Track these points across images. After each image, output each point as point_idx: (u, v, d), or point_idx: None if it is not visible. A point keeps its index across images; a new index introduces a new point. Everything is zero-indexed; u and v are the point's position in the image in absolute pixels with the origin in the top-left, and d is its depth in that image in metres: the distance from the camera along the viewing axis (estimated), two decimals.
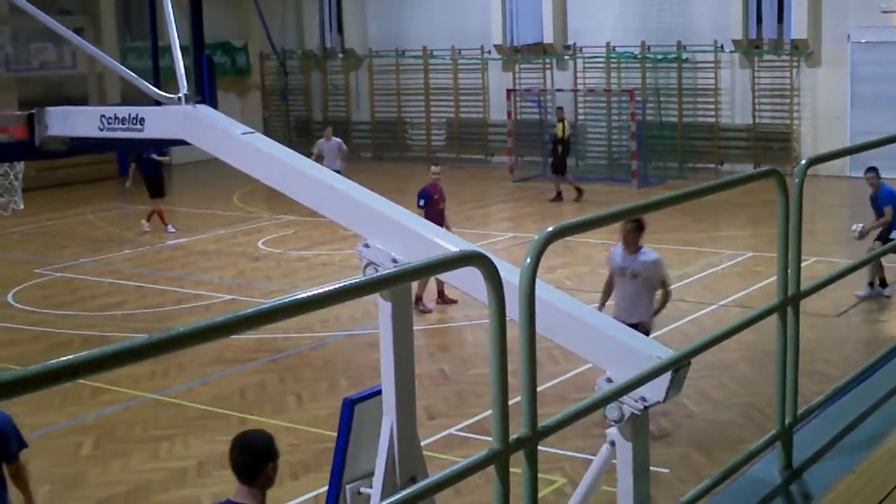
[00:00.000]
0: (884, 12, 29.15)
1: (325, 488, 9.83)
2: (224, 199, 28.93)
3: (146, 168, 25.00)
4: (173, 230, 24.58)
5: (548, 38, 33.56)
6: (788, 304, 5.13)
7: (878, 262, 16.51)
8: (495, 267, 3.45)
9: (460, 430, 12.01)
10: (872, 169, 17.43)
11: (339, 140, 26.41)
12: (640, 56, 32.22)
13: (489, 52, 34.81)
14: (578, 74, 33.29)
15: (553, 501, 10.13)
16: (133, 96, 8.99)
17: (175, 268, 21.12)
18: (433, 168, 18.44)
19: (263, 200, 28.13)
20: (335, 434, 11.18)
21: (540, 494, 10.26)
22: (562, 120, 28.72)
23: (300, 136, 37.04)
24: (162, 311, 17.39)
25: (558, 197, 27.45)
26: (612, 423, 5.29)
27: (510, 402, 3.47)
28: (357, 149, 37.35)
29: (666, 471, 10.55)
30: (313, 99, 38.97)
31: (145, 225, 24.88)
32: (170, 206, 26.84)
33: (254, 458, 5.57)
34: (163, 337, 2.64)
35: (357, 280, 3.21)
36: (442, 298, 16.93)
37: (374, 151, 37.26)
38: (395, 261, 6.08)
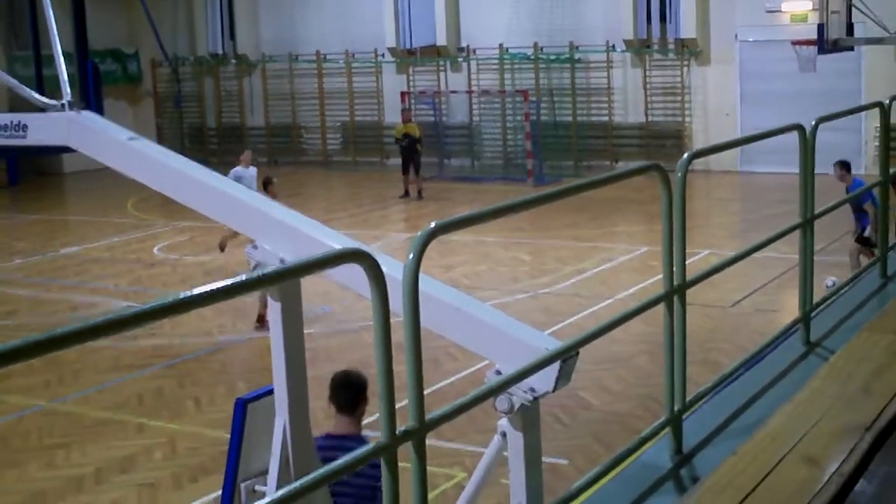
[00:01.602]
0: (769, 12, 29.70)
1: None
2: (118, 206, 28.62)
3: None
4: None
5: (441, 40, 33.71)
6: (675, 293, 5.24)
7: (858, 260, 15.93)
8: (376, 262, 3.50)
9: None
10: (842, 164, 16.28)
11: (256, 168, 21.60)
12: (533, 57, 32.48)
13: (383, 55, 34.84)
14: (473, 76, 33.47)
15: (454, 496, 10.17)
16: (21, 105, 8.89)
17: (69, 276, 20.86)
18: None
19: (158, 207, 27.85)
20: (228, 436, 11.22)
21: (441, 489, 10.42)
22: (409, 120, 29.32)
23: (193, 144, 36.81)
24: (55, 318, 17.17)
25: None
26: (503, 415, 5.35)
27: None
28: (252, 154, 37.15)
29: (565, 462, 10.67)
30: (207, 105, 38.71)
31: None
32: (63, 216, 26.47)
33: (356, 393, 6.72)
34: (46, 337, 2.62)
35: (241, 279, 3.23)
36: (261, 323, 15.69)
37: (270, 156, 37.08)
38: (282, 261, 6.09)
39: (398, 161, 33.15)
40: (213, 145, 37.57)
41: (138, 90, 39.00)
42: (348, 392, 6.73)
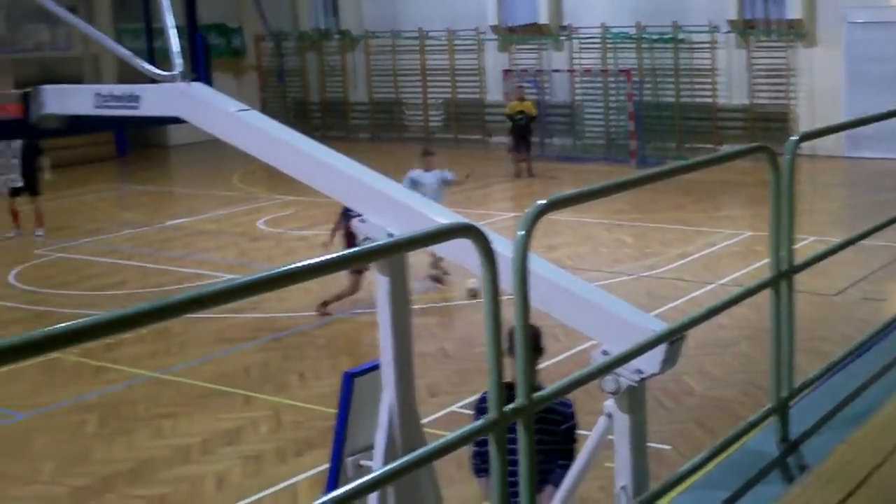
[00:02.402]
0: None
1: (326, 466, 9.95)
2: (224, 179, 28.96)
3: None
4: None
5: (543, 18, 33.53)
6: (782, 278, 5.18)
7: None
8: (487, 238, 3.49)
9: (462, 407, 12.06)
10: None
11: (442, 173, 17.62)
12: (635, 36, 32.19)
13: (485, 32, 34.77)
14: (574, 55, 33.25)
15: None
16: (129, 78, 9.01)
17: (175, 247, 21.18)
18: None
19: (263, 180, 28.15)
20: (332, 411, 11.30)
21: None
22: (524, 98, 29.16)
23: (296, 118, 37.02)
24: (163, 290, 17.41)
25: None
26: (609, 396, 5.35)
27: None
28: (355, 129, 37.38)
29: (667, 447, 10.60)
30: (310, 80, 38.95)
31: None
32: (170, 187, 26.79)
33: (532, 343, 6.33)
34: (158, 305, 2.65)
35: (351, 251, 3.24)
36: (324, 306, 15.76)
37: (372, 132, 37.25)
38: (390, 235, 6.12)
39: (500, 139, 33.13)
40: (315, 119, 37.79)
41: (242, 64, 39.34)
42: None
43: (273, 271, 2.84)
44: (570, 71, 32.90)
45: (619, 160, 30.01)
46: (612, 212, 21.60)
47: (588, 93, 33.28)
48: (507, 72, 32.54)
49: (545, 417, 6.56)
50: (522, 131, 28.51)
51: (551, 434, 6.53)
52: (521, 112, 28.52)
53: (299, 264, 2.96)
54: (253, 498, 9.93)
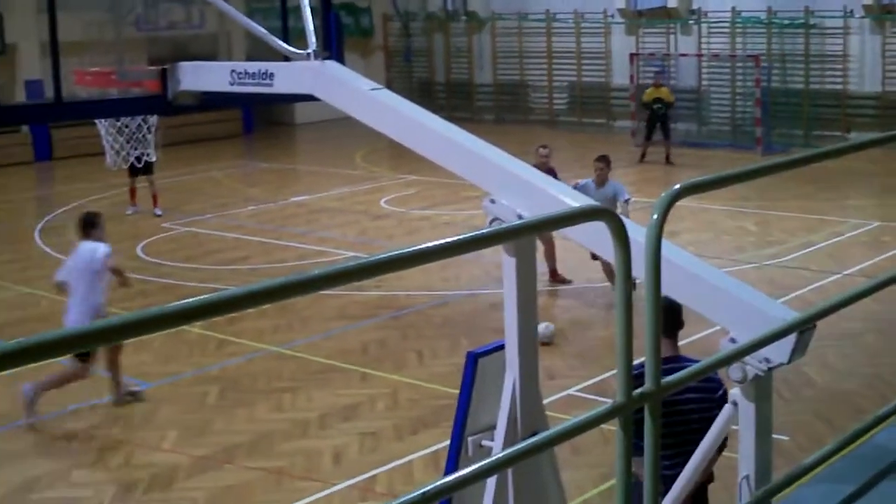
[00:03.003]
0: None
1: (444, 444, 9.99)
2: (347, 158, 29.19)
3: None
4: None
5: (672, 2, 33.19)
6: None
7: None
8: (621, 221, 3.47)
9: (580, 390, 12.04)
10: None
11: (617, 187, 16.08)
12: (766, 21, 31.72)
13: (612, 15, 34.55)
14: (703, 39, 32.88)
15: None
16: (257, 56, 9.12)
17: (299, 224, 21.42)
18: (541, 150, 16.64)
19: (386, 160, 28.33)
20: (455, 391, 11.34)
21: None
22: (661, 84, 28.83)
23: (422, 98, 37.11)
24: (285, 266, 17.62)
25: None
26: (735, 384, 5.29)
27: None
28: (479, 111, 37.41)
29: (785, 438, 10.47)
30: (436, 61, 39.07)
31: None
32: (294, 165, 27.00)
33: (676, 317, 6.71)
34: (292, 280, 2.68)
35: (483, 231, 3.24)
36: (554, 277, 16.32)
37: (496, 114, 37.26)
38: (520, 217, 6.11)
39: (625, 123, 32.92)
40: (440, 100, 37.88)
41: (370, 44, 39.57)
42: (668, 316, 6.56)
43: (406, 250, 2.86)
44: (698, 56, 32.52)
45: (745, 147, 29.60)
46: (735, 198, 21.33)
47: (715, 78, 32.87)
48: (633, 55, 32.28)
49: (705, 387, 6.67)
50: (660, 118, 28.20)
51: (710, 402, 6.55)
52: (659, 99, 28.21)
53: (432, 244, 2.97)
54: (369, 474, 10.02)
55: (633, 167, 27.94)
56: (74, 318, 11.46)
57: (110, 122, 12.08)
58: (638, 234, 3.79)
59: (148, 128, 13.18)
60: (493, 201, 6.29)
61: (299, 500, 9.75)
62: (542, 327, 11.88)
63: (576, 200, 6.09)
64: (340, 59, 8.69)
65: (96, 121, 12.22)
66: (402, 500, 2.80)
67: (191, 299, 2.42)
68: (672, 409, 6.32)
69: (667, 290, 5.08)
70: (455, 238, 3.04)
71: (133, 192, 22.57)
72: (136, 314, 2.36)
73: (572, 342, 13.87)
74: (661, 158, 28.03)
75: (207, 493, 9.91)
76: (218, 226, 21.41)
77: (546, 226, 3.78)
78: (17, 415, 11.83)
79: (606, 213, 3.52)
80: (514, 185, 6.31)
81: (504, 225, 5.19)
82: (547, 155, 16.44)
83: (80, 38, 13.71)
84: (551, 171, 17.15)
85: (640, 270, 3.65)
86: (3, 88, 26.10)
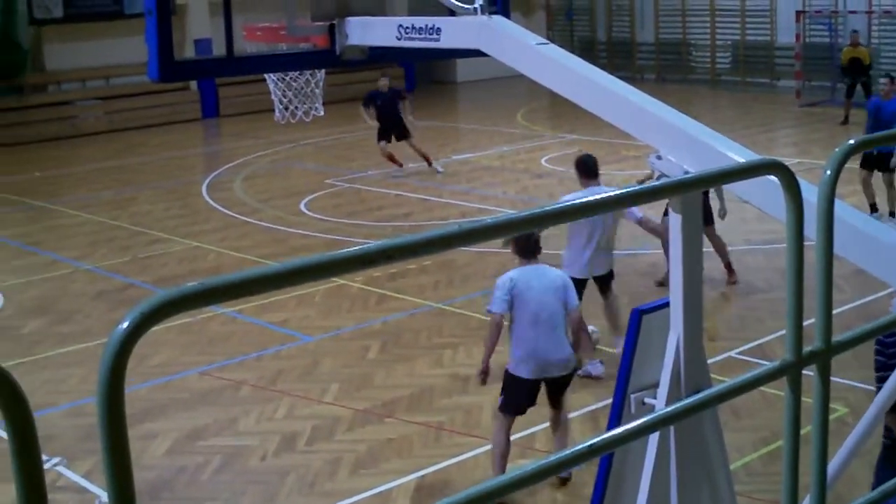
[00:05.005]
0: None
1: (603, 403, 9.99)
2: (508, 116, 29.17)
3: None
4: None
5: None
6: None
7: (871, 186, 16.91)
8: (794, 175, 3.41)
9: (740, 353, 11.89)
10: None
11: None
12: None
13: None
14: None
15: (835, 430, 9.92)
16: (420, 13, 9.13)
17: (460, 182, 21.51)
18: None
19: (547, 119, 28.25)
20: (613, 351, 11.30)
21: None
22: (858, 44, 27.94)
23: (584, 56, 36.60)
24: (447, 223, 17.66)
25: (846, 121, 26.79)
26: None
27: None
28: (640, 70, 37.07)
29: None
30: (597, 18, 38.77)
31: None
32: (455, 123, 27.07)
33: None
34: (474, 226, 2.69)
35: (650, 186, 3.21)
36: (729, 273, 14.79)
37: (658, 73, 36.87)
38: (686, 173, 6.03)
39: (789, 83, 32.26)
40: (602, 59, 37.60)
41: (532, 2, 39.43)
42: None
43: (568, 204, 2.83)
44: (868, 13, 31.66)
45: None
46: None
47: (886, 35, 31.99)
48: (799, 13, 31.58)
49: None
50: (858, 80, 27.39)
51: None
52: (855, 58, 27.46)
53: (595, 198, 2.95)
54: (528, 431, 10.03)
55: (795, 127, 27.40)
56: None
57: (279, 77, 12.19)
58: (809, 193, 3.71)
59: (315, 83, 13.27)
60: (659, 157, 6.24)
61: (459, 455, 9.83)
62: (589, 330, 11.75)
63: (741, 156, 5.99)
64: (506, 15, 8.67)
65: (266, 76, 12.36)
66: (570, 451, 2.79)
67: (365, 245, 2.44)
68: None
69: (838, 249, 4.99)
70: (617, 192, 3.01)
71: (390, 157, 22.16)
72: (315, 258, 2.39)
73: (733, 304, 13.71)
74: (826, 118, 27.41)
75: (368, 446, 10.05)
76: (379, 183, 21.62)
77: (716, 180, 3.73)
78: (185, 364, 12.16)
79: (778, 167, 3.45)
80: (680, 140, 6.25)
81: (670, 179, 5.14)
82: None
83: None
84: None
85: (811, 229, 3.58)
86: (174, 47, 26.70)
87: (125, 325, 2.11)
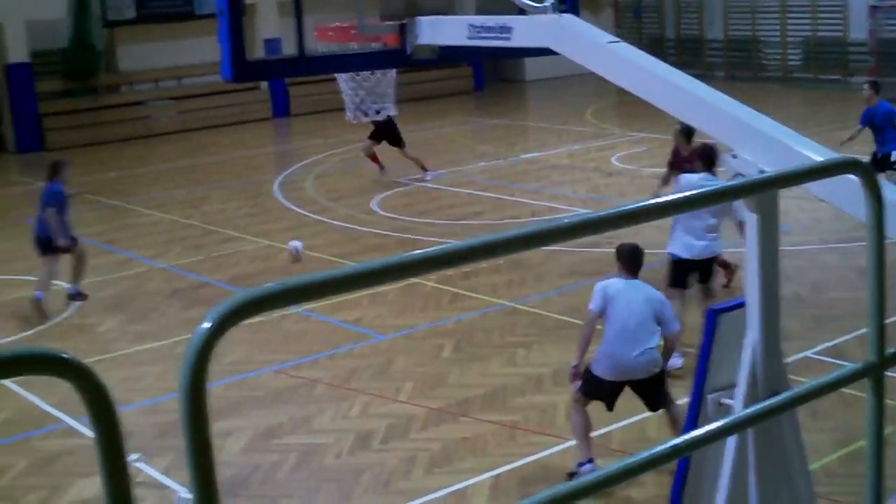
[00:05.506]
0: None
1: (677, 403, 9.91)
2: (577, 114, 29.08)
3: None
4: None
5: None
6: None
7: None
8: (873, 173, 3.36)
9: (816, 353, 11.76)
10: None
11: None
12: None
13: None
14: None
15: None
16: (488, 11, 9.13)
17: (529, 181, 21.47)
18: None
19: (616, 117, 28.13)
20: (692, 351, 11.20)
21: None
22: None
23: (652, 54, 36.59)
24: (517, 222, 17.69)
25: None
26: None
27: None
28: (709, 67, 36.78)
29: None
30: (666, 16, 38.55)
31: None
32: (524, 122, 27.00)
33: None
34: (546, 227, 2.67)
35: (727, 185, 3.18)
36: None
37: (727, 70, 36.56)
38: (762, 172, 5.98)
39: (863, 79, 31.84)
40: (670, 56, 37.33)
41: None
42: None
43: (642, 204, 2.81)
44: None
45: None
46: None
47: None
48: (873, 8, 31.20)
49: None
50: None
51: None
52: None
53: (668, 198, 2.93)
54: (603, 431, 9.98)
55: None
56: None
57: (350, 76, 12.27)
58: (891, 192, 3.66)
59: (387, 82, 13.34)
60: (734, 156, 6.19)
61: (533, 454, 9.80)
62: None
63: (818, 154, 5.93)
64: (576, 13, 8.66)
65: (336, 75, 12.44)
66: (651, 452, 2.78)
67: (440, 246, 2.43)
68: None
69: None
70: (691, 193, 2.99)
71: (373, 157, 21.96)
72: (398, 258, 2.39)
73: (808, 303, 13.56)
74: None
75: (443, 445, 10.05)
76: (450, 181, 21.63)
77: (793, 179, 3.68)
78: (260, 362, 12.24)
79: (857, 165, 3.41)
80: (757, 139, 6.19)
81: (745, 179, 5.09)
82: None
83: None
84: None
85: (892, 230, 3.54)
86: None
87: (208, 324, 2.12)
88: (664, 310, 9.33)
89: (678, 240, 11.94)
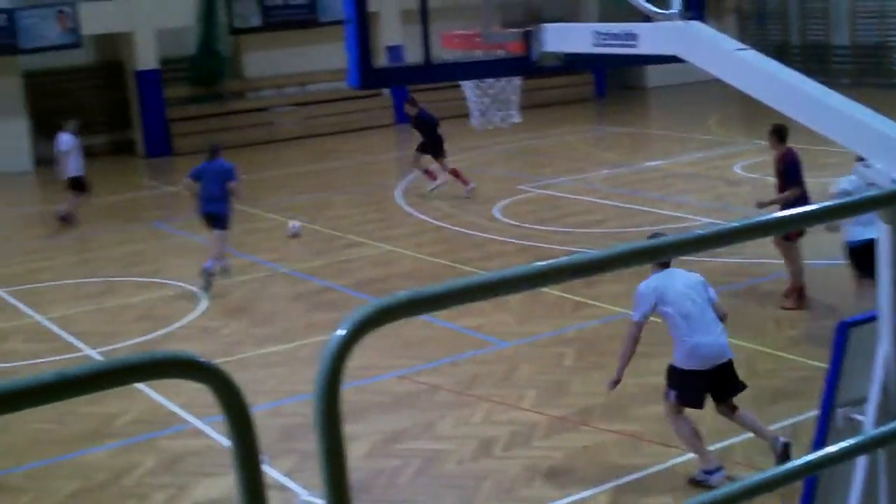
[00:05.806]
0: None
1: (801, 417, 9.77)
2: (700, 122, 28.82)
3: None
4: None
5: None
6: None
7: None
8: None
9: None
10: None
11: None
12: None
13: None
14: None
15: None
16: (611, 19, 9.11)
17: (653, 189, 21.30)
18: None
19: (740, 125, 27.80)
20: (814, 363, 11.04)
21: None
22: None
23: (777, 61, 36.21)
24: (640, 231, 17.53)
25: None
26: None
27: None
28: (836, 74, 36.16)
29: None
30: (790, 22, 38.02)
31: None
32: (647, 129, 26.78)
33: None
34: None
35: (859, 197, 3.13)
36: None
37: (855, 77, 35.92)
38: (895, 182, 5.87)
39: None
40: (796, 63, 36.79)
41: (722, 6, 38.87)
42: None
43: (763, 218, 2.78)
44: None
45: None
46: None
47: None
48: None
49: None
50: None
51: None
52: None
53: (791, 212, 2.89)
54: (725, 443, 9.88)
55: None
56: None
57: (474, 84, 12.33)
58: None
59: (511, 89, 13.34)
60: (867, 165, 6.09)
61: (655, 464, 9.73)
62: None
63: None
64: (702, 20, 8.59)
65: (461, 82, 12.50)
66: (785, 469, 2.74)
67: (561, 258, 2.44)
68: None
69: None
70: (816, 206, 2.95)
71: (428, 172, 22.02)
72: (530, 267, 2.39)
73: None
74: None
75: (565, 454, 10.03)
76: (571, 189, 21.58)
77: None
78: (383, 368, 12.30)
79: None
80: (889, 148, 6.08)
81: (880, 190, 5.01)
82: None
83: (440, 5, 14.06)
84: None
85: None
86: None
87: (343, 331, 2.15)
88: (708, 287, 9.55)
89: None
